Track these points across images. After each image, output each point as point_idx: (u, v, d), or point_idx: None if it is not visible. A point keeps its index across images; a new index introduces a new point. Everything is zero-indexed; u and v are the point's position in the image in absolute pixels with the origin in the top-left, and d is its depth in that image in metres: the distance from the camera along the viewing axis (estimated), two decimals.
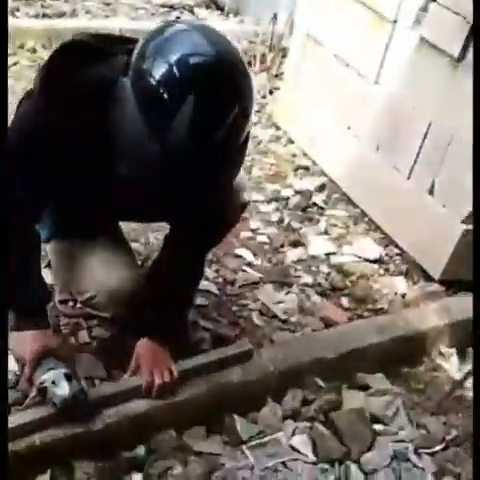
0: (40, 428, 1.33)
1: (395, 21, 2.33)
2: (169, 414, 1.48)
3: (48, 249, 1.60)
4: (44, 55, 3.40)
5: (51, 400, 1.35)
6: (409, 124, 2.29)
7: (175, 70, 1.06)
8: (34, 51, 3.46)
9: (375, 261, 2.26)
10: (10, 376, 1.53)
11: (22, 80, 3.08)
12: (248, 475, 1.44)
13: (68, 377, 1.35)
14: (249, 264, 2.13)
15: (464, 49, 2.02)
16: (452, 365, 1.92)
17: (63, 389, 1.33)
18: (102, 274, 1.50)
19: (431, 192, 2.20)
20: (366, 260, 2.26)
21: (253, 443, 1.52)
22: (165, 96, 1.06)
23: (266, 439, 1.53)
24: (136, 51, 1.12)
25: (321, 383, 1.69)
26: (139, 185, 1.23)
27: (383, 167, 2.43)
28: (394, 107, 2.37)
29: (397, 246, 2.34)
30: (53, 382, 1.34)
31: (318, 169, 2.81)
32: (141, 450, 1.44)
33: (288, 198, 2.56)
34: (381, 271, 2.23)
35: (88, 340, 1.67)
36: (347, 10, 2.57)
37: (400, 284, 2.18)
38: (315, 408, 1.62)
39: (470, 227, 2.07)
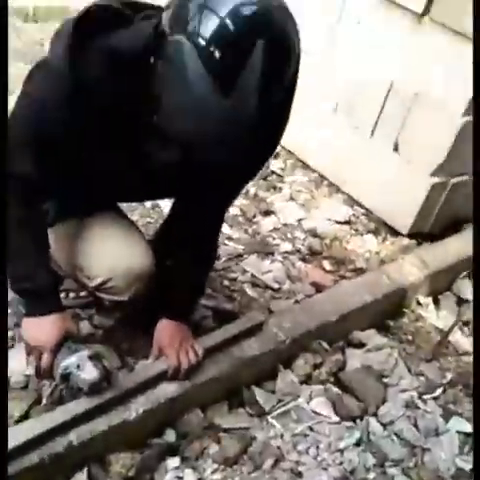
0: (74, 425, 1.26)
1: None
2: (196, 394, 1.45)
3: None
4: None
5: (76, 385, 1.27)
6: (369, 84, 2.33)
7: (237, 19, 0.97)
8: None
9: (344, 222, 2.33)
10: (18, 378, 1.44)
11: None
12: (280, 444, 1.45)
13: (92, 359, 1.27)
14: (229, 238, 2.11)
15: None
16: (431, 313, 2.04)
17: (90, 372, 1.26)
18: (117, 254, 1.39)
19: (396, 149, 2.28)
20: (336, 222, 2.31)
21: (277, 412, 1.54)
22: (233, 48, 0.96)
23: (289, 406, 1.56)
24: (176, 12, 1.02)
25: (326, 346, 1.73)
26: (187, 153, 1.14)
27: (342, 128, 2.47)
28: (352, 68, 2.40)
29: (361, 206, 2.41)
30: (78, 366, 1.26)
31: None
32: (171, 435, 1.41)
33: None
34: (352, 231, 2.30)
35: (92, 330, 1.59)
36: None
37: (371, 242, 2.26)
38: (326, 370, 1.66)
39: (437, 180, 2.20)
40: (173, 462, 1.35)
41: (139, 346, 1.56)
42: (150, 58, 1.06)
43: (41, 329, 1.29)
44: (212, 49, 0.96)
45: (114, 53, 1.10)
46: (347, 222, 2.33)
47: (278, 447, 1.44)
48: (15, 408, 1.35)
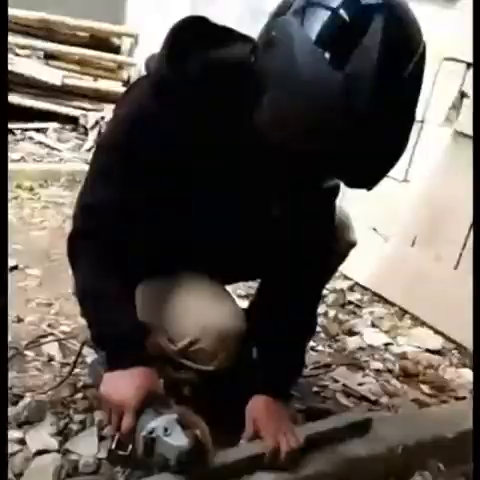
0: None
1: (422, 121, 2.44)
2: None
3: None
4: (42, 192, 3.25)
5: (162, 456, 1.01)
6: (451, 215, 2.29)
7: None
8: (31, 189, 3.25)
9: (436, 352, 2.09)
10: (87, 460, 1.22)
11: (25, 208, 2.95)
12: None
13: (183, 426, 1.02)
14: (312, 348, 1.90)
15: None
16: None
17: (180, 439, 1.00)
18: (207, 312, 1.21)
19: None
20: (427, 351, 2.08)
21: None
22: (349, 20, 0.90)
23: None
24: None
25: (442, 467, 1.41)
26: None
27: (423, 261, 2.37)
28: (431, 201, 2.39)
29: (450, 340, 2.19)
30: (165, 430, 1.01)
31: (338, 274, 2.70)
32: None
33: (324, 296, 2.40)
34: (446, 362, 2.05)
35: None
36: None
37: (471, 376, 1.99)
38: None
39: None
40: None
41: (224, 436, 1.28)
42: (251, 58, 1.01)
43: (124, 384, 1.07)
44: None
45: (214, 61, 1.07)
46: (438, 352, 2.10)
47: None
48: None
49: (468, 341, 2.15)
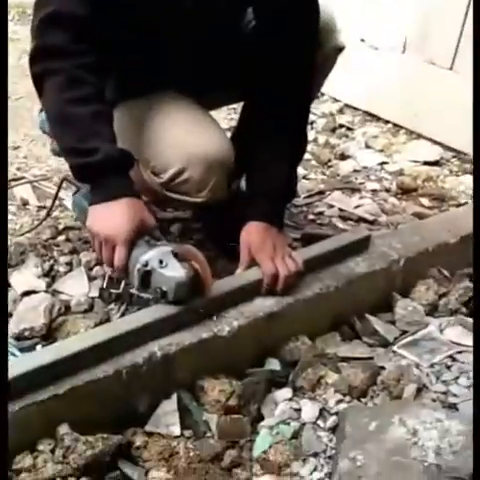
0: (155, 334, 0.95)
1: None
2: (298, 312, 1.12)
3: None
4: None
5: (159, 289, 0.96)
6: (444, 11, 2.07)
7: None
8: None
9: (434, 163, 2.00)
10: (79, 299, 1.18)
11: None
12: (418, 373, 1.10)
13: (178, 258, 0.97)
14: (304, 177, 1.81)
15: None
16: None
17: (176, 270, 0.95)
18: (192, 139, 1.11)
19: None
20: (425, 163, 1.99)
21: (404, 342, 1.19)
22: None
23: (417, 336, 1.21)
24: None
25: (447, 274, 1.39)
26: None
27: (416, 67, 2.20)
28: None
29: (448, 148, 2.10)
30: (160, 262, 0.95)
31: (326, 98, 2.52)
32: (275, 364, 1.08)
33: (313, 122, 2.27)
34: (445, 172, 1.97)
35: None
36: None
37: (471, 181, 1.93)
38: (456, 298, 1.31)
39: None
40: (284, 393, 1.02)
41: (221, 268, 1.25)
42: None
43: (112, 216, 0.99)
44: None
45: None
46: (436, 163, 2.01)
47: (416, 377, 1.08)
48: (79, 326, 1.08)
49: (467, 147, 2.07)
